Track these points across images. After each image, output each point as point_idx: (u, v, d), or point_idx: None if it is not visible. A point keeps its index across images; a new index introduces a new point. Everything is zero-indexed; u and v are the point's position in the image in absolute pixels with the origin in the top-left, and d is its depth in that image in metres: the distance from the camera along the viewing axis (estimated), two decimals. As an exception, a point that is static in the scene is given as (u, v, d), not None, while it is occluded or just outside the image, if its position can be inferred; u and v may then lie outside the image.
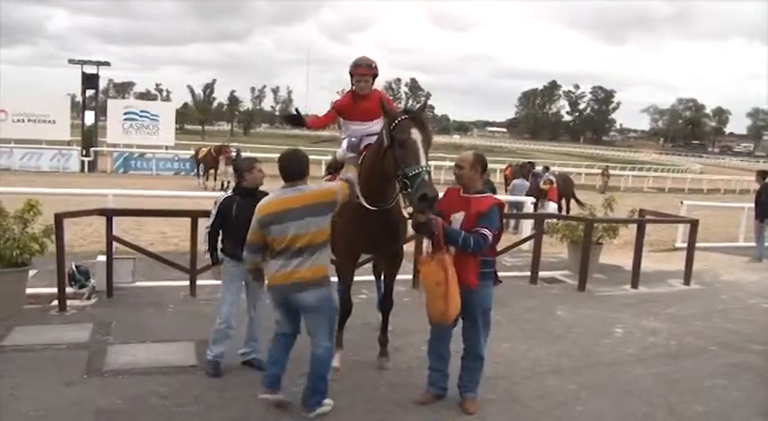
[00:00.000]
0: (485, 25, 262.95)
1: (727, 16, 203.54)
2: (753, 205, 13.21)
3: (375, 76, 5.71)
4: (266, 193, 5.25)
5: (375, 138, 5.30)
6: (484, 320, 4.90)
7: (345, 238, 5.27)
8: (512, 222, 14.46)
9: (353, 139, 5.63)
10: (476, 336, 4.90)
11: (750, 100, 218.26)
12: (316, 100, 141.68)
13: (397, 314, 5.94)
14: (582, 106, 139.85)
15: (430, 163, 4.74)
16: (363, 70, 5.61)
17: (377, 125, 5.49)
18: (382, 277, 6.05)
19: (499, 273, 5.10)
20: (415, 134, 4.69)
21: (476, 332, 4.89)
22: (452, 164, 5.61)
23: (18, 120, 28.78)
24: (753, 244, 13.09)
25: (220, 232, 5.39)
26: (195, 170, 25.34)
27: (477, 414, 4.91)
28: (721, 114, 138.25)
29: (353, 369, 5.59)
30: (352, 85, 5.68)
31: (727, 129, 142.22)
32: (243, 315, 5.62)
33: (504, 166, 27.18)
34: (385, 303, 5.77)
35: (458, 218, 4.74)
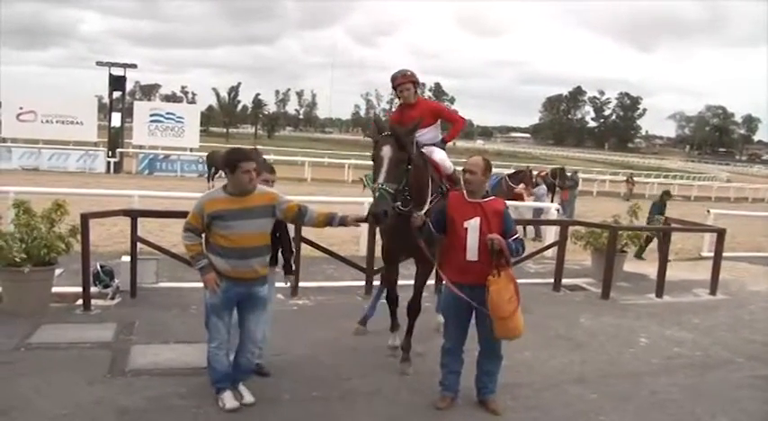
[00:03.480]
0: (514, 31, 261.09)
1: (761, 22, 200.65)
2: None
3: (414, 82, 6.05)
4: None
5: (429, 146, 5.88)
6: None
7: (383, 244, 5.95)
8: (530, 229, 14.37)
9: None
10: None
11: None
12: (340, 103, 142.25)
13: (417, 322, 5.95)
14: (607, 112, 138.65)
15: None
16: (400, 79, 5.99)
17: (427, 134, 5.96)
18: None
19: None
20: (385, 151, 5.00)
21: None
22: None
23: (47, 121, 29.16)
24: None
25: None
26: (211, 172, 24.09)
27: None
28: (750, 122, 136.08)
29: (374, 373, 5.58)
30: (398, 97, 6.10)
31: (756, 137, 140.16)
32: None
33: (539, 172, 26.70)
34: (411, 307, 5.81)
35: (473, 224, 4.77)
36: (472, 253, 4.77)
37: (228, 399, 4.77)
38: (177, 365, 5.58)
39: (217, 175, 23.68)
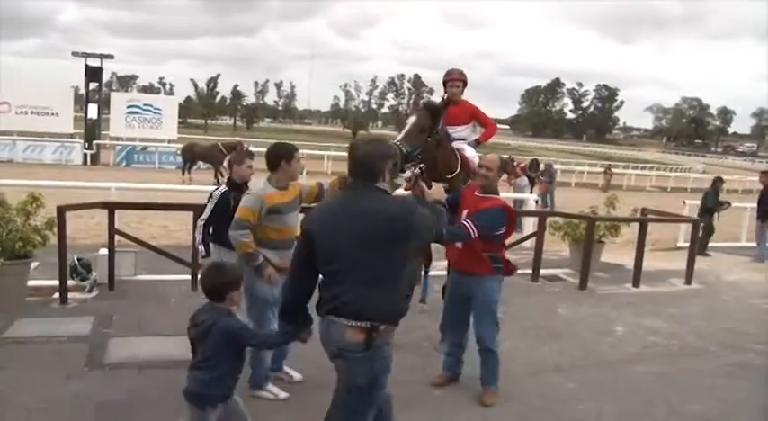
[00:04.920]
0: (497, 23, 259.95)
1: (738, 16, 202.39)
2: (755, 205, 13.20)
3: (465, 82, 6.44)
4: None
5: (461, 142, 6.32)
6: (489, 313, 5.02)
7: None
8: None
9: None
10: (482, 329, 5.05)
11: (755, 99, 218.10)
12: (319, 95, 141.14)
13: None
14: (585, 104, 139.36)
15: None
16: (456, 76, 6.36)
17: (464, 130, 6.44)
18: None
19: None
20: (411, 119, 5.49)
21: (482, 325, 5.04)
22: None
23: (21, 113, 28.71)
24: (754, 244, 13.09)
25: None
26: (187, 165, 23.61)
27: (477, 411, 4.92)
28: (725, 114, 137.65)
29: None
30: (446, 92, 6.39)
31: (731, 129, 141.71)
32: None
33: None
34: (446, 289, 6.04)
35: (466, 214, 4.97)
36: None
37: (278, 390, 4.95)
38: (157, 358, 5.55)
39: (194, 168, 23.56)
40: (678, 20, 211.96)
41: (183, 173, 23.33)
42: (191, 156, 23.63)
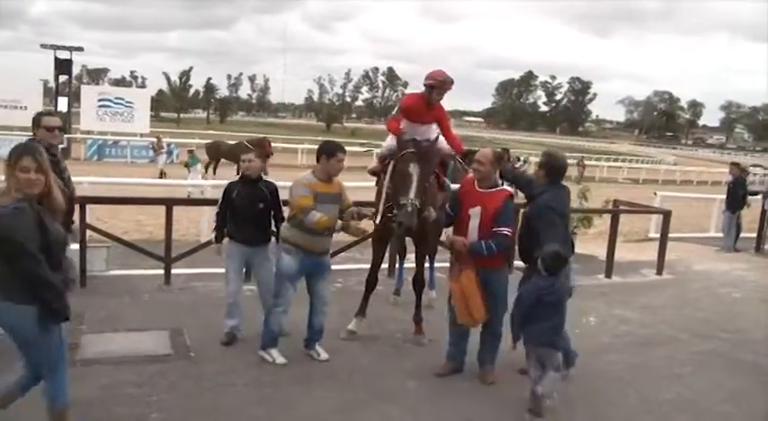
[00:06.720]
0: (474, 17, 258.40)
1: (711, 11, 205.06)
2: (724, 196, 13.43)
3: (448, 90, 6.44)
4: (268, 182, 5.86)
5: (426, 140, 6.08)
6: (503, 302, 5.23)
7: (376, 226, 6.13)
8: None
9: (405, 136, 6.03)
10: (496, 316, 5.24)
11: (724, 93, 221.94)
12: (293, 88, 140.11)
13: (371, 304, 6.03)
14: (558, 97, 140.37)
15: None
16: (448, 86, 6.31)
17: (432, 131, 6.30)
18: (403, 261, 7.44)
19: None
20: (413, 168, 5.48)
21: (497, 312, 5.24)
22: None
23: (-11, 106, 28.25)
24: (722, 234, 13.32)
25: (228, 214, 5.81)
26: (205, 165, 22.53)
27: (452, 402, 4.96)
28: (695, 107, 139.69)
29: (329, 356, 5.59)
30: (428, 92, 6.24)
31: (701, 122, 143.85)
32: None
33: None
34: (415, 281, 6.24)
35: (476, 211, 5.10)
36: (472, 238, 5.08)
37: (278, 356, 5.38)
38: (130, 353, 5.50)
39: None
40: (651, 14, 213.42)
41: (207, 170, 22.47)
42: (216, 154, 23.07)
